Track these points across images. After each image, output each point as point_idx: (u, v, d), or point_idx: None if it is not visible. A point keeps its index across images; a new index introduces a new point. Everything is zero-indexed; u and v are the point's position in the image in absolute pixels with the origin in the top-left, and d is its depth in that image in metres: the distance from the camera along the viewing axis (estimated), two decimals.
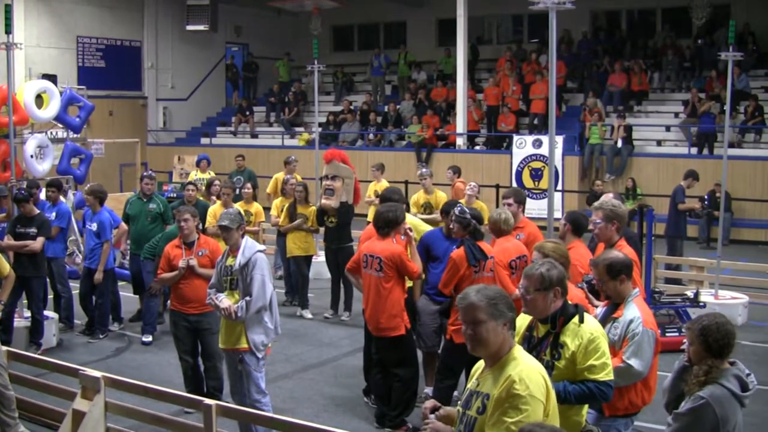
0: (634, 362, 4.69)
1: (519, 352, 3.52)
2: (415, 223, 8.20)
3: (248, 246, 6.51)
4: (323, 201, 10.50)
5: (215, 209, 10.58)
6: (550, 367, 4.16)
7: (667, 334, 9.34)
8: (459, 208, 7.05)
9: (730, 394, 3.97)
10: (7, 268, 7.14)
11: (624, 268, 4.92)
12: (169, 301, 8.68)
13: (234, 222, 6.55)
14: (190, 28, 24.12)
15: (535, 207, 15.44)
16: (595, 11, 23.65)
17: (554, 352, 4.24)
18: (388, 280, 6.91)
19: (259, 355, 6.43)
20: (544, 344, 4.27)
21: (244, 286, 6.39)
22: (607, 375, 4.20)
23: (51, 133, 15.17)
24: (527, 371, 3.42)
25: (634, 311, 4.80)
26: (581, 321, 4.24)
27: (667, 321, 9.83)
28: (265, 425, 5.90)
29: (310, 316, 10.92)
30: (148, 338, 9.80)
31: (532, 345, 4.30)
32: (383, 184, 12.84)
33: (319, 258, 12.01)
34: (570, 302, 4.35)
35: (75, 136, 15.18)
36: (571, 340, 4.21)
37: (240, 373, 6.48)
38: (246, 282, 6.38)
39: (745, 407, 4.05)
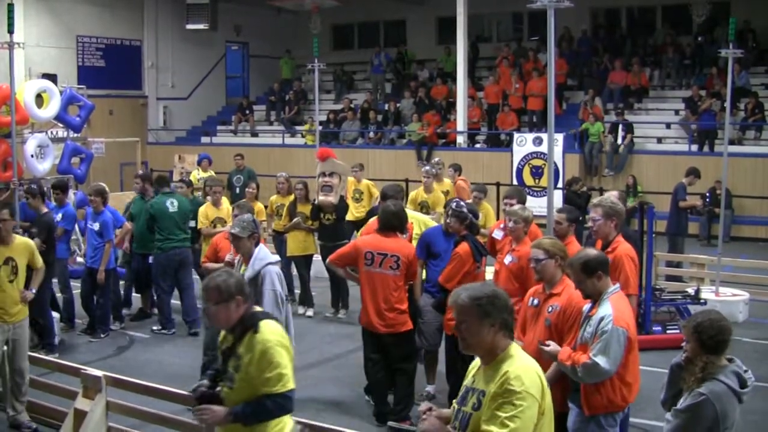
0: (600, 359, 4.65)
1: (516, 350, 3.47)
2: (422, 219, 8.25)
3: (258, 258, 6.10)
4: (321, 198, 10.52)
5: (206, 209, 10.57)
6: (231, 380, 4.05)
7: (668, 332, 9.38)
8: (455, 203, 7.14)
9: (729, 391, 3.99)
10: (40, 261, 7.35)
11: (599, 265, 4.89)
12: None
13: (245, 230, 6.13)
14: (190, 27, 24.10)
15: (535, 205, 15.44)
16: (595, 9, 23.62)
17: (236, 364, 4.06)
18: (401, 278, 6.98)
19: None
20: (229, 355, 4.13)
21: (254, 300, 5.99)
22: (283, 386, 4.00)
23: (51, 132, 15.17)
24: (523, 368, 3.38)
25: (607, 308, 4.76)
26: (256, 331, 4.05)
27: (668, 318, 9.85)
28: None
29: (310, 314, 10.93)
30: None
31: (225, 356, 4.16)
32: (364, 183, 12.92)
33: (319, 257, 12.01)
34: (254, 310, 4.20)
35: (75, 135, 15.17)
36: (245, 351, 4.04)
37: None
38: (256, 297, 5.98)
39: (743, 403, 4.06)
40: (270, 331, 4.09)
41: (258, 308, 4.30)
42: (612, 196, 7.64)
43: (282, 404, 4.04)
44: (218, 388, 4.14)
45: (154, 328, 10.27)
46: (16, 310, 6.98)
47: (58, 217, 10.01)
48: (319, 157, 10.78)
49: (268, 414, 4.03)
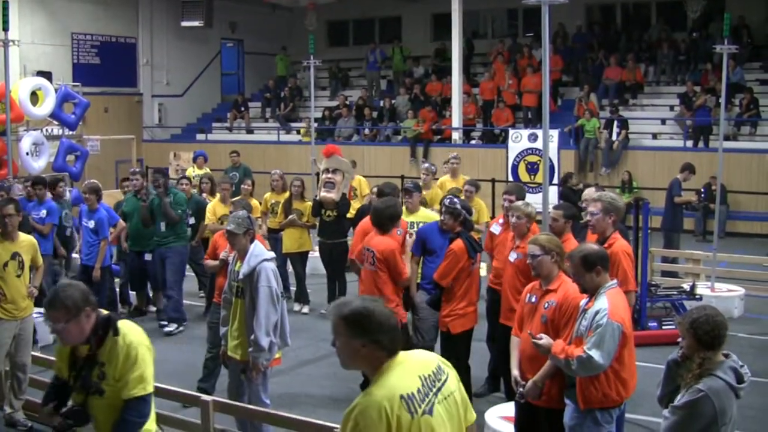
0: (594, 353, 4.66)
1: (387, 372, 3.19)
2: (433, 216, 8.27)
3: (254, 254, 6.04)
4: (323, 194, 10.49)
5: (214, 205, 10.67)
6: (100, 390, 3.95)
7: (663, 328, 9.40)
8: (449, 200, 7.13)
9: (728, 386, 3.99)
10: (41, 259, 7.45)
11: (599, 260, 4.89)
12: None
13: (240, 227, 6.09)
14: (185, 24, 24.05)
15: (531, 201, 15.44)
16: (589, 5, 23.65)
17: (100, 372, 3.94)
18: (381, 275, 7.00)
19: (262, 368, 6.13)
20: (91, 365, 3.98)
21: (250, 296, 6.03)
22: (143, 389, 3.95)
23: (46, 130, 15.18)
24: (367, 404, 3.10)
25: (603, 303, 4.77)
26: (116, 333, 3.96)
27: (664, 314, 9.86)
28: (262, 421, 5.91)
29: (306, 311, 10.93)
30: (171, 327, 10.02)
31: (77, 369, 4.01)
32: (357, 179, 12.91)
33: (315, 253, 12.01)
34: (106, 315, 4.06)
35: (70, 133, 15.17)
36: (109, 356, 3.92)
37: (241, 382, 6.29)
38: (252, 294, 5.99)
39: (740, 399, 4.07)
40: (130, 331, 4.02)
41: (104, 311, 4.11)
42: (590, 191, 7.70)
43: (141, 410, 3.98)
44: (72, 406, 4.05)
45: (168, 329, 10.04)
46: (24, 304, 7.06)
47: (42, 213, 9.97)
48: (324, 153, 10.79)
49: (133, 428, 3.96)
